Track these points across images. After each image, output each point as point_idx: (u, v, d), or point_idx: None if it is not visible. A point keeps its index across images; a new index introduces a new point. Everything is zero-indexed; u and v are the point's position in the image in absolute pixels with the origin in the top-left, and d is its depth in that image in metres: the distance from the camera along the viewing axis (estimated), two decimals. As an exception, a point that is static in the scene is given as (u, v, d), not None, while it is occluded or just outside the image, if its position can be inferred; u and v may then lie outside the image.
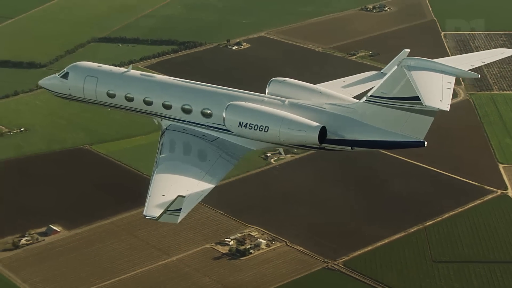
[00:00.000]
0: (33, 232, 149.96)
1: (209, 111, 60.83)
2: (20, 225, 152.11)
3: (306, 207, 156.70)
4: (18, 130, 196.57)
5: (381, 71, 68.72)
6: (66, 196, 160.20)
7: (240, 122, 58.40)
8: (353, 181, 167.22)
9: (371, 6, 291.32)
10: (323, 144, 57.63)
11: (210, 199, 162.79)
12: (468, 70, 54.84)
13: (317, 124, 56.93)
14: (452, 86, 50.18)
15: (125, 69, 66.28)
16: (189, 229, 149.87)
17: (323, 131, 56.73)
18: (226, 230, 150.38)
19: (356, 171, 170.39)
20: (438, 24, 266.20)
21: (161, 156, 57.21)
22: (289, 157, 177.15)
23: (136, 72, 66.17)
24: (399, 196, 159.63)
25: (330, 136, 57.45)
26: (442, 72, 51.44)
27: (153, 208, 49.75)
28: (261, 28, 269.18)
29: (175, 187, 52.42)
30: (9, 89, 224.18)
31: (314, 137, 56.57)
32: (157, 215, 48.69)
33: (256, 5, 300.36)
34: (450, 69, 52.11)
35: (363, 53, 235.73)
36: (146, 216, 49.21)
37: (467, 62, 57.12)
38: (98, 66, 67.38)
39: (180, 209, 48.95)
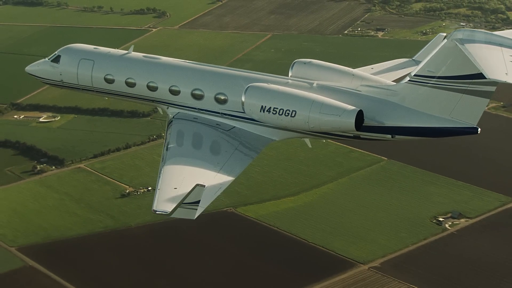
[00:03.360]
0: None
1: (223, 97, 54.05)
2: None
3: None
4: (145, 190, 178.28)
5: (413, 58, 62.93)
6: (223, 266, 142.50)
7: (262, 107, 51.03)
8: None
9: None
10: (359, 132, 50.65)
11: (396, 271, 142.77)
12: None
13: (353, 107, 49.95)
14: None
15: (125, 51, 59.06)
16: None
17: (360, 116, 49.77)
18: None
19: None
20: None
21: (169, 148, 50.61)
22: (463, 221, 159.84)
23: (139, 54, 58.75)
24: None
25: (367, 122, 50.39)
26: (500, 45, 45.01)
27: (164, 202, 43.40)
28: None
29: (188, 180, 45.63)
30: (117, 141, 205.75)
31: (350, 123, 49.48)
32: (170, 210, 42.32)
33: (353, 49, 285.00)
34: (510, 42, 45.39)
35: (494, 104, 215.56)
36: (157, 211, 43.04)
37: None
38: (94, 48, 60.13)
39: (198, 202, 42.22)
